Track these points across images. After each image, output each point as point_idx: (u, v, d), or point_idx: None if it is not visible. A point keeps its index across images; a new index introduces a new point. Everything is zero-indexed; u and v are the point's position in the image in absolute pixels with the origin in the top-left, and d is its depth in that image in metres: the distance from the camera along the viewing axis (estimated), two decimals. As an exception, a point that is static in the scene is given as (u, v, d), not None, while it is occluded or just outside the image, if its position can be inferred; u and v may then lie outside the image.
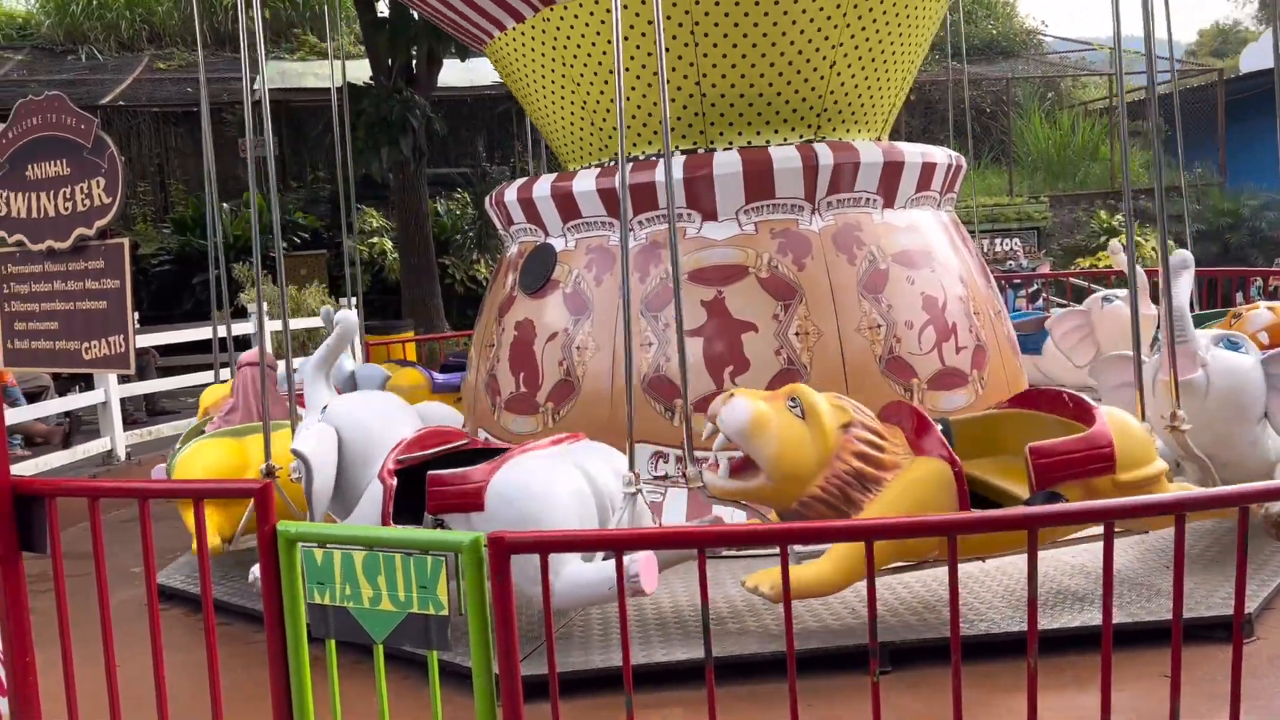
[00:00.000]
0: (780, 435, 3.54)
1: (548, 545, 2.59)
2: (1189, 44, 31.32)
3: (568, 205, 5.26)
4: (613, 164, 5.32)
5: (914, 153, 5.26)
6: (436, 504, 3.74)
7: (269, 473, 4.18)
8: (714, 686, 2.54)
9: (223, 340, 6.71)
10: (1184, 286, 4.62)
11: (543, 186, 5.37)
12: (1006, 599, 3.89)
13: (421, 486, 3.81)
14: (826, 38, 5.23)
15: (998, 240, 15.95)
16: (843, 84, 5.44)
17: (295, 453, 3.90)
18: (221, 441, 4.86)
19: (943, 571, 3.53)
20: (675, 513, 4.71)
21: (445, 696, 2.68)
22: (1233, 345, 4.40)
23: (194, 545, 3.45)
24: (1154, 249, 14.65)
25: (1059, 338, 6.77)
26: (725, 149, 5.17)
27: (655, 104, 5.36)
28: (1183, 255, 4.68)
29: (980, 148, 18.39)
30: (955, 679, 2.51)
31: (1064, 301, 10.18)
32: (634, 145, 5.56)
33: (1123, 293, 6.51)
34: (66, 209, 2.64)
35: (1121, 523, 3.55)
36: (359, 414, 4.22)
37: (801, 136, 5.46)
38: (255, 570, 3.79)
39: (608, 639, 3.76)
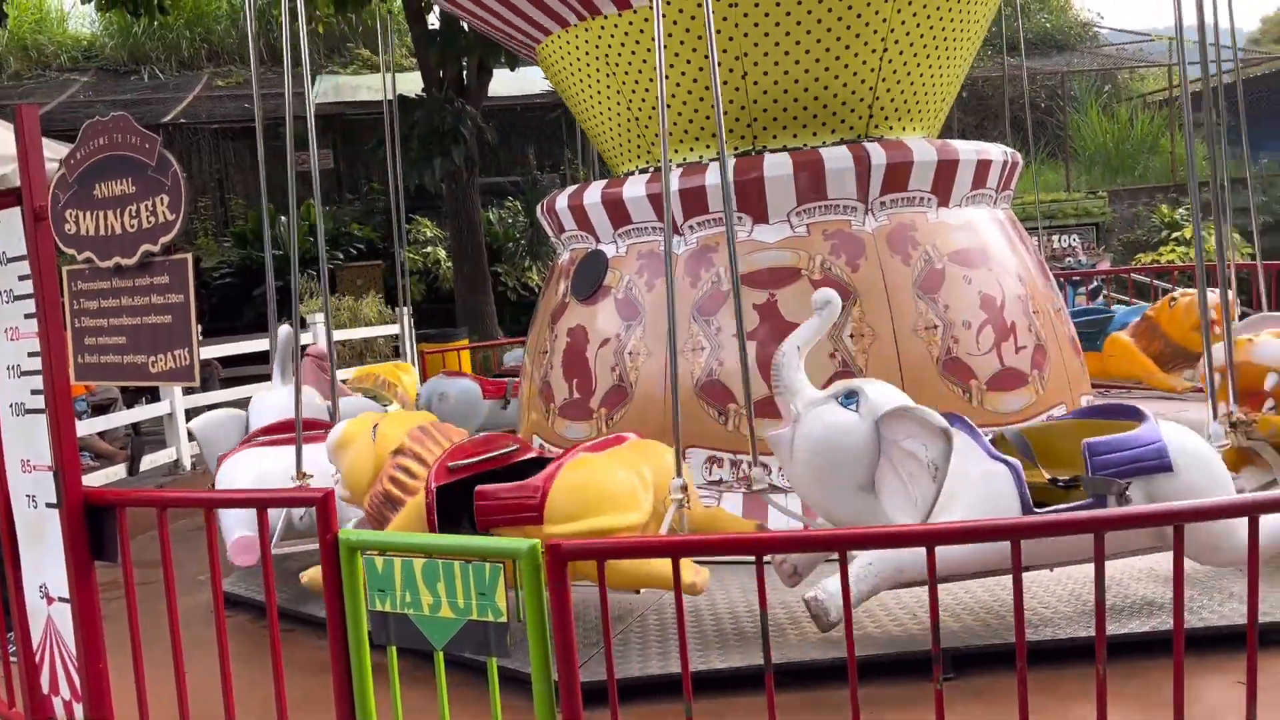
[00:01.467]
0: (351, 455, 4.20)
1: (606, 552, 2.59)
2: (1251, 32, 30.48)
3: (618, 211, 5.28)
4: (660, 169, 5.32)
5: (968, 150, 5.19)
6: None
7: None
8: (773, 693, 2.52)
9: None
10: (810, 329, 3.89)
11: (593, 193, 5.39)
12: (1072, 604, 3.81)
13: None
14: (875, 31, 5.19)
15: (1056, 237, 15.66)
16: (897, 80, 5.39)
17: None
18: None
19: (1006, 577, 3.47)
20: (731, 517, 4.69)
21: (505, 702, 2.70)
22: (849, 400, 3.65)
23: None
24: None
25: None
26: (775, 150, 5.15)
27: (697, 108, 5.36)
28: (826, 294, 3.89)
29: (1036, 143, 18.09)
30: (1021, 686, 2.46)
31: (1125, 298, 9.96)
32: (677, 149, 5.56)
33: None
34: (132, 226, 2.71)
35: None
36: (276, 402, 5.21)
37: (854, 133, 5.42)
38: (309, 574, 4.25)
39: (665, 646, 3.75)
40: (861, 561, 3.45)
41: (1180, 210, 15.33)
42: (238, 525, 4.39)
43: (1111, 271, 12.46)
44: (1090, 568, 3.15)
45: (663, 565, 3.39)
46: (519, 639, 2.59)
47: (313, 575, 4.14)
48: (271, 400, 5.54)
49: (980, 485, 3.54)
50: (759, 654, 3.53)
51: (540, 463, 4.09)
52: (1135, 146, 17.56)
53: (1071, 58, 21.19)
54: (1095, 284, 11.60)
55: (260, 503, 2.84)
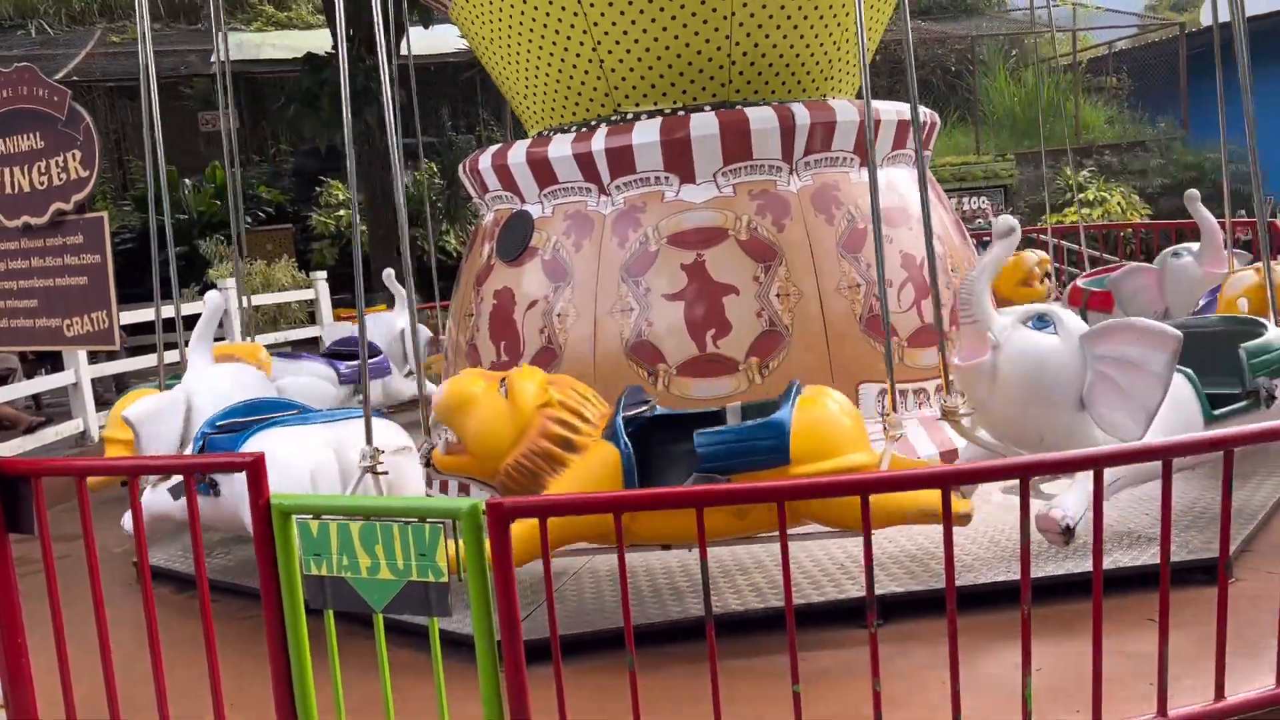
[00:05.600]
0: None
1: (547, 509, 2.59)
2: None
3: (544, 171, 5.22)
4: (589, 128, 5.27)
5: (889, 111, 5.26)
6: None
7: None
8: (714, 643, 2.57)
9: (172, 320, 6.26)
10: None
11: (518, 153, 5.31)
12: (993, 550, 3.95)
13: None
14: (815, 6, 5.21)
15: (966, 198, 16.01)
16: (821, 45, 5.42)
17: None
18: None
19: (931, 526, 3.58)
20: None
21: (446, 664, 2.69)
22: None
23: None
24: (1119, 203, 14.80)
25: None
26: (703, 110, 5.14)
27: (678, 55, 5.27)
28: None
29: (946, 106, 18.42)
30: (951, 627, 2.55)
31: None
32: (643, 98, 5.51)
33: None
34: (42, 183, 2.59)
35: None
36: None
37: (777, 97, 5.44)
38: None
39: (601, 601, 3.78)
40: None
41: (1084, 172, 15.81)
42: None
43: (1028, 231, 12.79)
44: (1011, 517, 3.26)
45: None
46: (459, 599, 2.58)
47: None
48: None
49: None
50: (696, 607, 3.59)
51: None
52: (1040, 110, 18.00)
53: (980, 22, 21.57)
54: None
55: (188, 468, 2.76)
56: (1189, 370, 4.02)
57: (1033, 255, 7.55)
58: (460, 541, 2.49)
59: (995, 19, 22.26)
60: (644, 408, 3.94)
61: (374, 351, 7.00)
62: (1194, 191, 6.59)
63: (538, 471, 3.68)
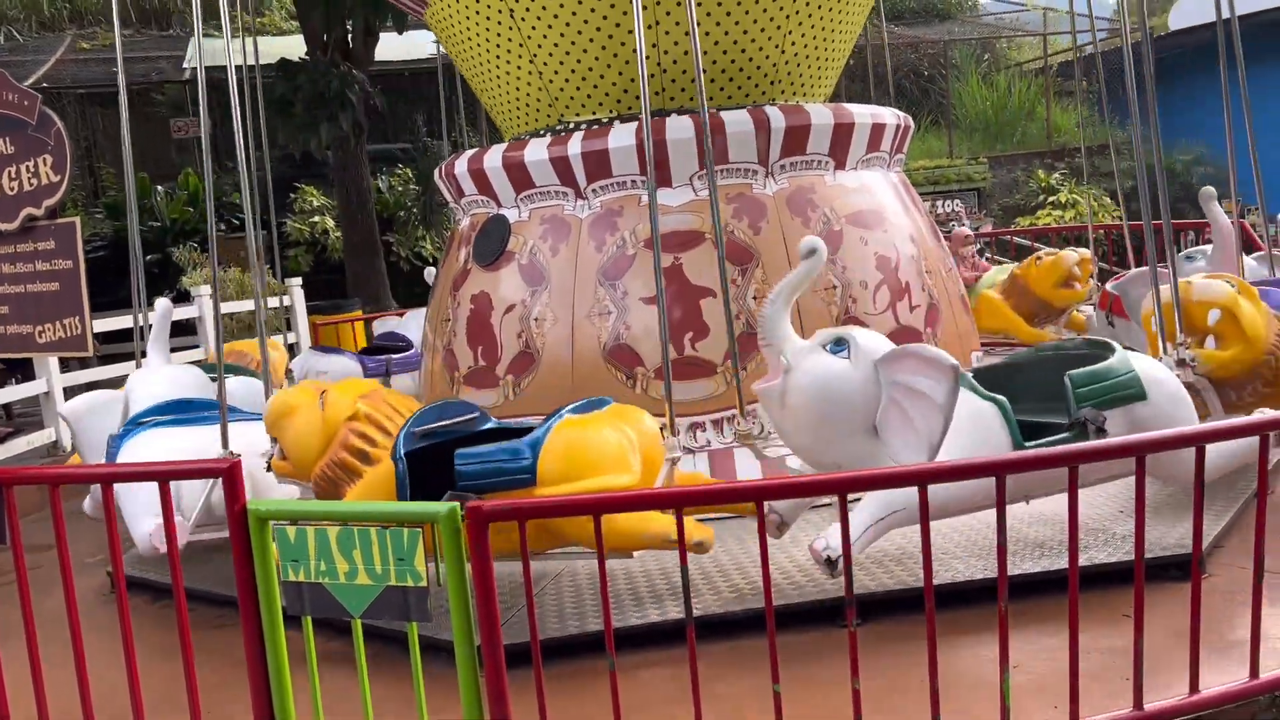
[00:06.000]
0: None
1: (526, 512, 2.59)
2: (1116, 1, 31.77)
3: (520, 175, 5.21)
4: (564, 132, 5.28)
5: (864, 114, 5.29)
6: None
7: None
8: (694, 644, 2.57)
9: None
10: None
11: (494, 157, 5.31)
12: (969, 549, 3.97)
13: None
14: (782, 9, 5.25)
15: (940, 201, 16.13)
16: (795, 52, 5.45)
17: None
18: None
19: (909, 526, 3.60)
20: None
21: (427, 670, 2.68)
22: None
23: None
24: (1090, 205, 14.94)
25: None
26: (679, 113, 5.16)
27: (609, 65, 5.32)
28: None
29: (920, 110, 18.56)
30: (930, 626, 2.57)
31: (1004, 260, 10.34)
32: (583, 109, 5.51)
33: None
34: (12, 189, 2.56)
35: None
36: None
37: (750, 100, 5.46)
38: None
39: (580, 606, 3.77)
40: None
41: (1055, 175, 15.96)
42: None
43: (993, 234, 12.92)
44: (987, 515, 3.30)
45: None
46: (438, 606, 2.57)
47: None
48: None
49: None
50: (675, 610, 3.59)
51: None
52: (1013, 114, 18.17)
53: (952, 27, 21.75)
54: (978, 246, 12.00)
55: (162, 475, 2.73)
56: (1000, 398, 3.77)
57: (1072, 255, 7.15)
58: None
59: (968, 24, 22.46)
60: (463, 419, 4.00)
61: (408, 345, 7.58)
62: (1209, 189, 6.27)
63: (337, 480, 3.85)
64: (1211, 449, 3.08)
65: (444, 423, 3.93)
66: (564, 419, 3.72)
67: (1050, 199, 15.52)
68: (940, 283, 5.46)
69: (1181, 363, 4.39)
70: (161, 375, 5.13)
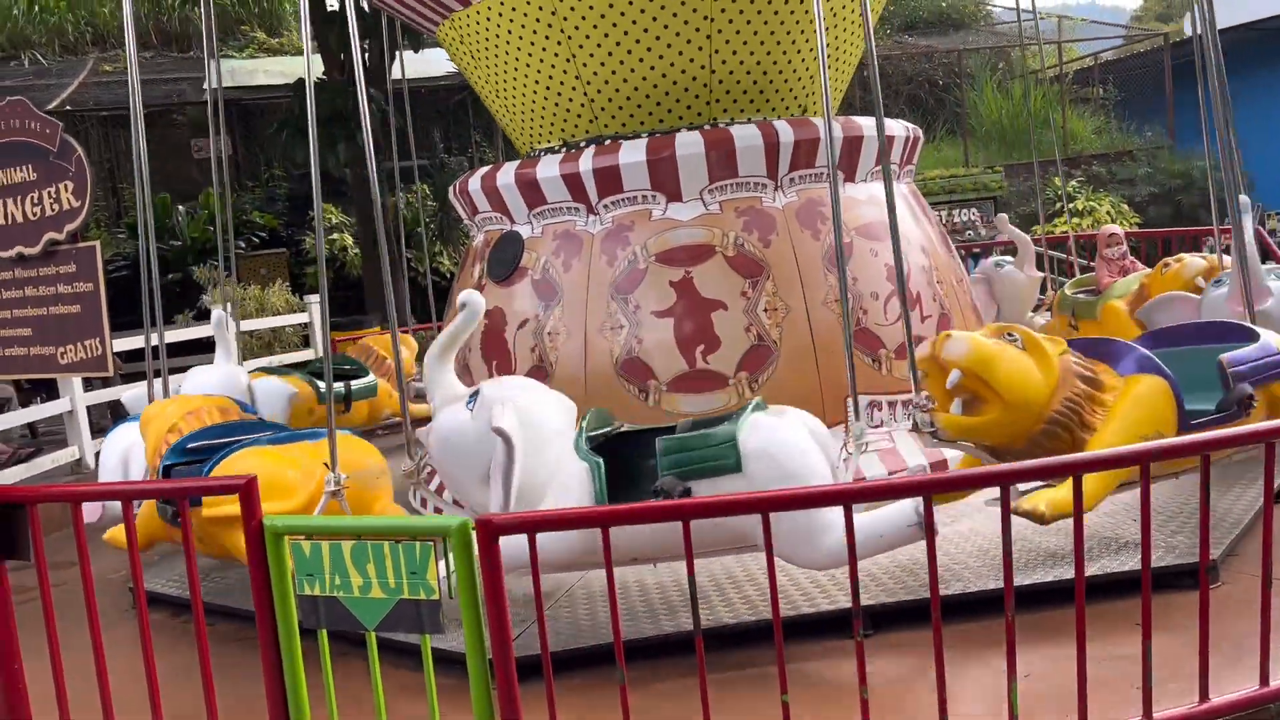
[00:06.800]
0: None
1: (534, 525, 2.63)
2: (1134, 9, 31.72)
3: (532, 192, 5.28)
4: (576, 149, 5.34)
5: (872, 126, 5.31)
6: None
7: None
8: (703, 655, 2.60)
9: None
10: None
11: (507, 174, 5.37)
12: (980, 559, 3.98)
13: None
14: (797, 22, 5.29)
15: (956, 211, 16.11)
16: (805, 66, 5.50)
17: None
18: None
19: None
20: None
21: (441, 682, 2.72)
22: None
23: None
24: (1108, 213, 14.89)
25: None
26: (687, 129, 5.21)
27: (619, 84, 5.38)
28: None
29: (934, 120, 18.54)
30: (936, 636, 2.59)
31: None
32: (629, 119, 5.57)
33: (1186, 257, 6.64)
34: (35, 214, 2.63)
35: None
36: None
37: (761, 115, 5.51)
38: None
39: (594, 617, 3.81)
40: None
41: (1072, 183, 15.92)
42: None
43: (1010, 243, 12.86)
44: (997, 524, 3.31)
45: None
46: (451, 617, 2.61)
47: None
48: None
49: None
50: (688, 621, 3.62)
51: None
52: (1028, 122, 18.15)
53: (967, 36, 21.75)
54: (996, 256, 11.98)
55: (181, 491, 2.79)
56: (598, 459, 3.66)
57: (1197, 262, 6.61)
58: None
59: (982, 32, 22.45)
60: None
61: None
62: (1245, 199, 5.71)
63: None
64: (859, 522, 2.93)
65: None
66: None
67: (1068, 206, 15.47)
68: (952, 293, 5.48)
69: (916, 428, 3.94)
70: (216, 370, 5.71)
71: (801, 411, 3.70)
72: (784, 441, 3.47)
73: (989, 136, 18.33)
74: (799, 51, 5.48)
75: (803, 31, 5.44)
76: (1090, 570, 3.67)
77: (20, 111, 2.65)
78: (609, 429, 3.95)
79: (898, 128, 5.50)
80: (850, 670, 2.66)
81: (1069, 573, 3.63)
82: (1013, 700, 2.61)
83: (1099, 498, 3.76)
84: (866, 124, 5.31)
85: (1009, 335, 3.91)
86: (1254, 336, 4.48)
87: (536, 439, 3.64)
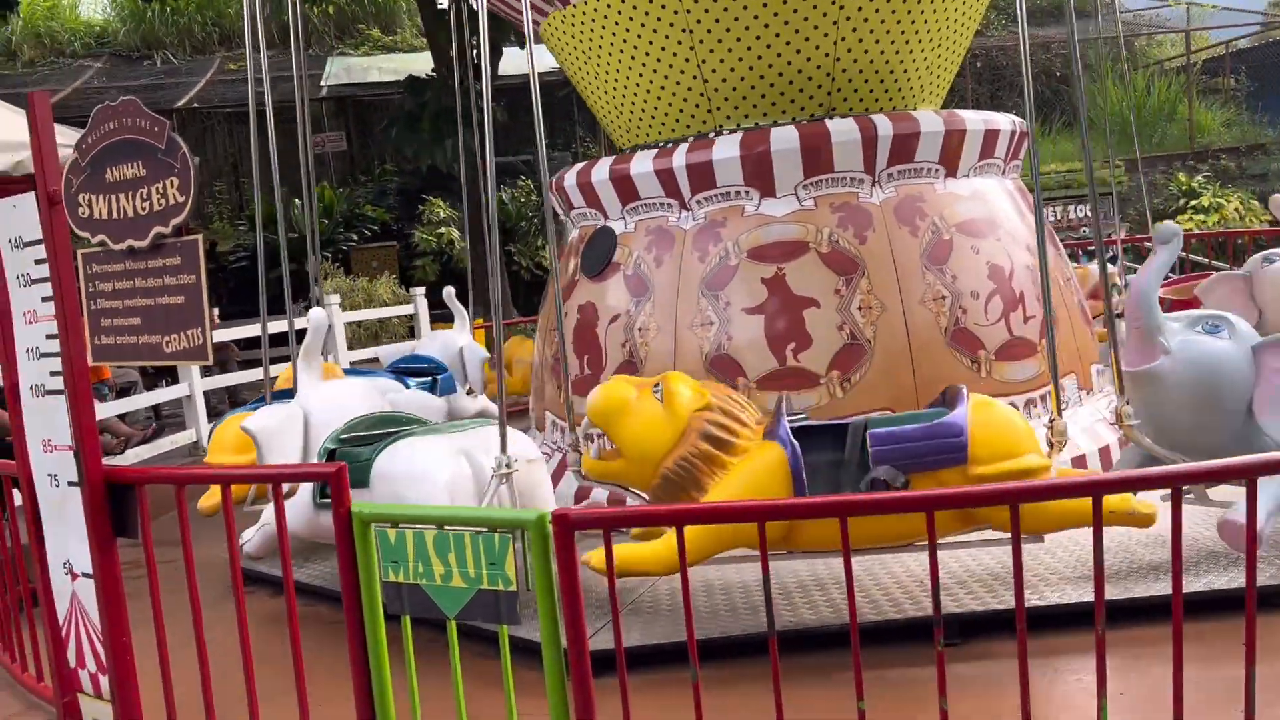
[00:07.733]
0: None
1: (609, 521, 2.64)
2: (1272, -5, 29.98)
3: (626, 187, 5.30)
4: (671, 145, 5.34)
5: (976, 120, 5.18)
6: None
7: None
8: (778, 658, 2.57)
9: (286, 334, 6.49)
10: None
11: (601, 170, 5.41)
12: (1076, 569, 3.84)
13: None
14: (922, 13, 5.21)
15: (1073, 206, 15.52)
16: (913, 58, 5.38)
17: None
18: None
19: (1002, 546, 3.50)
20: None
21: (517, 671, 2.76)
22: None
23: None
24: (1235, 209, 14.14)
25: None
26: (783, 124, 5.15)
27: (709, 78, 5.36)
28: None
29: (1051, 112, 17.91)
30: (1021, 648, 2.50)
31: (1135, 268, 9.88)
32: (686, 124, 5.56)
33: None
34: (144, 209, 2.76)
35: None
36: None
37: (880, 106, 5.41)
38: (245, 535, 4.40)
39: (675, 614, 3.81)
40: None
41: (1197, 178, 15.19)
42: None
43: (1129, 240, 12.34)
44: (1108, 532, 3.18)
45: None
46: (532, 609, 2.64)
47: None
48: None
49: None
50: (777, 620, 3.59)
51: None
52: (1152, 114, 17.36)
53: (1087, 25, 20.93)
54: (1111, 253, 11.50)
55: (274, 478, 2.90)
56: None
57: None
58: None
59: (1103, 22, 21.56)
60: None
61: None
62: (1276, 197, 5.96)
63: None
64: None
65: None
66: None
67: (1191, 203, 14.76)
68: (1058, 293, 5.28)
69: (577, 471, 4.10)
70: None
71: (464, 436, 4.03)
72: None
73: (1110, 130, 17.62)
74: (920, 43, 5.36)
75: (926, 22, 5.32)
76: (1195, 586, 3.50)
77: (131, 110, 2.79)
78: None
79: (1002, 121, 5.34)
80: (930, 678, 2.59)
81: (1169, 587, 3.48)
82: (1103, 716, 2.51)
83: (705, 554, 3.54)
84: (970, 118, 5.17)
85: (655, 388, 3.83)
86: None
87: None
